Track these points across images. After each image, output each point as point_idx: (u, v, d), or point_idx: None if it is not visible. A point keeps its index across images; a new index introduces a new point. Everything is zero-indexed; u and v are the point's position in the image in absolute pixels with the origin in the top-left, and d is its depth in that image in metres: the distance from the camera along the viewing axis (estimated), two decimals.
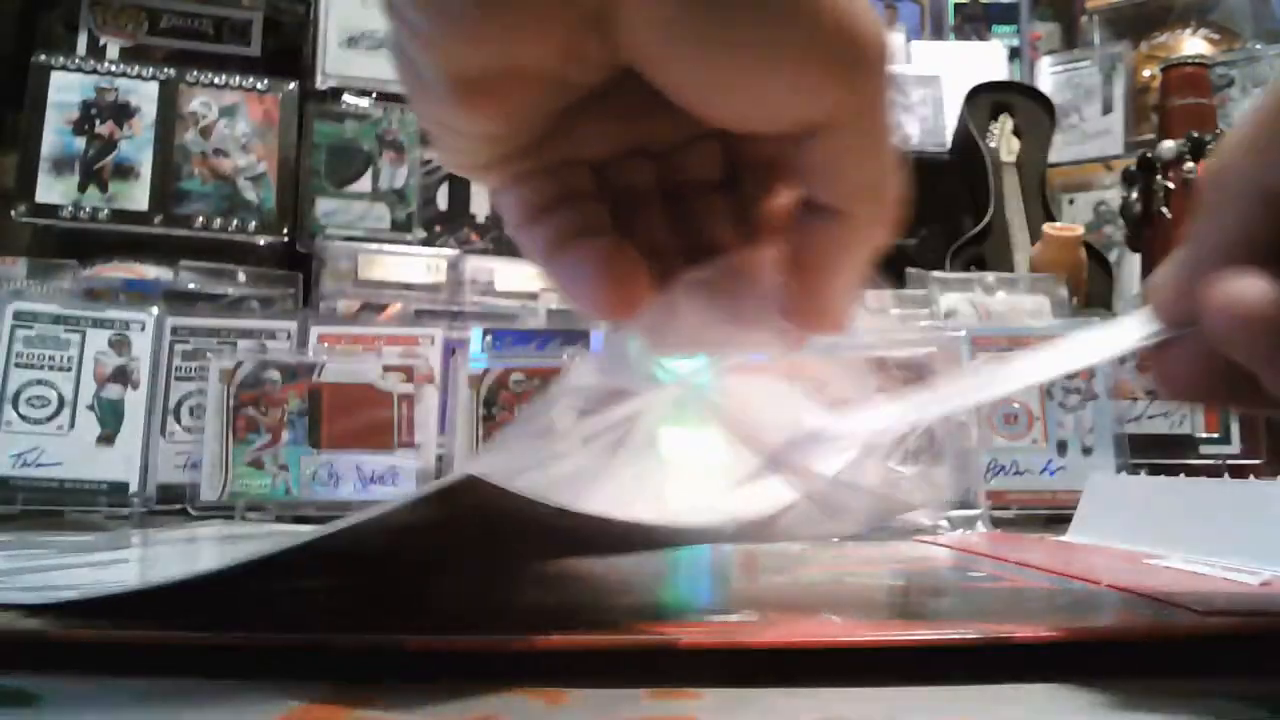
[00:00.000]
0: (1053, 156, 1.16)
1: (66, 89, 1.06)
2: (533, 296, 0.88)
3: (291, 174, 1.11)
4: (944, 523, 0.57)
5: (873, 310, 0.77)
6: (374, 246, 0.94)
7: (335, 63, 1.13)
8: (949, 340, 0.69)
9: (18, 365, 0.67)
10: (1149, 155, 0.90)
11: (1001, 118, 1.12)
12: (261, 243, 0.99)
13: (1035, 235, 1.02)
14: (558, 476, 0.26)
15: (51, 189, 1.02)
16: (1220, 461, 0.74)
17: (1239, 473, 0.72)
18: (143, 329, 0.70)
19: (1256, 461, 0.75)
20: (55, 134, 1.04)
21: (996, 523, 0.62)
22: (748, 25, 0.21)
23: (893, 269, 0.86)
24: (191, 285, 0.85)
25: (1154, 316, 0.25)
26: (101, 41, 1.13)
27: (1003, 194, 1.08)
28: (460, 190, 1.05)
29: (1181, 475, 0.63)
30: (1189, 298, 0.23)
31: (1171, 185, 0.87)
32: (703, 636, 0.21)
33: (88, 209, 0.97)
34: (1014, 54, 1.34)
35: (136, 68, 1.09)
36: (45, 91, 1.05)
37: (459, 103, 0.22)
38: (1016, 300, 0.84)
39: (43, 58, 1.06)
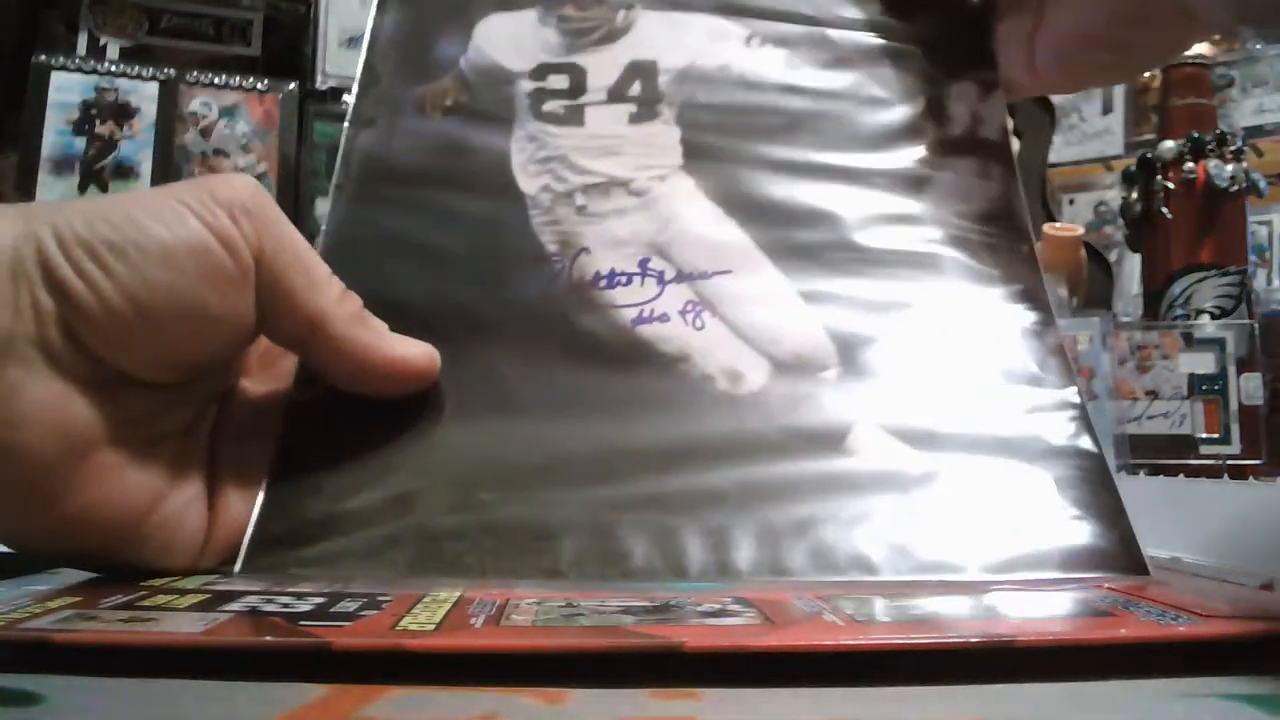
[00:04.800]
0: (1053, 156, 1.16)
1: (66, 89, 1.06)
2: None
3: (291, 174, 1.11)
4: None
5: None
6: None
7: (335, 63, 1.13)
8: None
9: None
10: (1149, 155, 0.90)
11: None
12: None
13: (1035, 235, 1.02)
14: None
15: (51, 189, 1.02)
16: (1220, 461, 0.74)
17: (1239, 473, 0.72)
18: None
19: (1256, 461, 0.75)
20: (55, 134, 1.04)
21: None
22: None
23: None
24: None
25: None
26: (101, 41, 1.13)
27: None
28: None
29: (1181, 476, 0.63)
30: None
31: (1171, 185, 0.87)
32: (705, 638, 0.21)
33: None
34: None
35: (136, 68, 1.09)
36: (45, 91, 1.05)
37: None
38: None
39: (43, 58, 1.06)
